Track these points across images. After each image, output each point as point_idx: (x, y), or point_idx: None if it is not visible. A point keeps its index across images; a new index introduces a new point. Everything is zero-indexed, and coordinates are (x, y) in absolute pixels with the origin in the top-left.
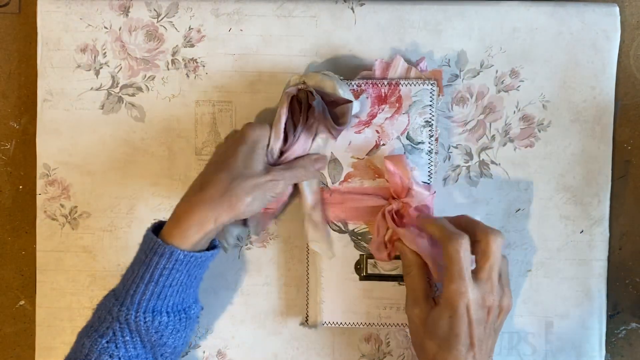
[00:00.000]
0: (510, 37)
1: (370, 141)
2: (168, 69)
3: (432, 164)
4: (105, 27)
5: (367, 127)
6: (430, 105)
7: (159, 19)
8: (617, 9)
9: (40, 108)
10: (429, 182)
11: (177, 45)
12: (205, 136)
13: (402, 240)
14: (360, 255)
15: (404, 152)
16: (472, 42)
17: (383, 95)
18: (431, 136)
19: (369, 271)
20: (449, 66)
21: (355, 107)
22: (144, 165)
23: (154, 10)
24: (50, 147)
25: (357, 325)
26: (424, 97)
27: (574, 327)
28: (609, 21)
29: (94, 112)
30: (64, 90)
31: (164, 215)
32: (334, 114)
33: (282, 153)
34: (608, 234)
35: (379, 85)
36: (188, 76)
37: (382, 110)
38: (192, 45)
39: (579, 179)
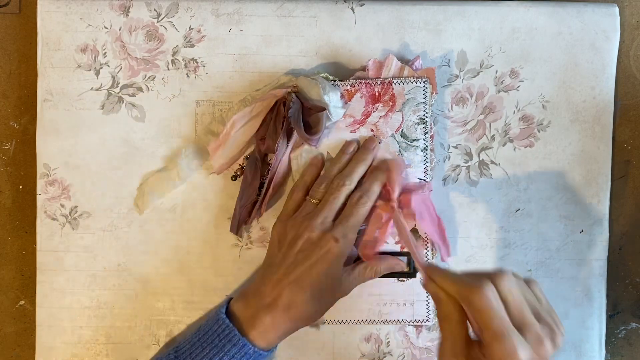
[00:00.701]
0: (510, 37)
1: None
2: (168, 69)
3: (427, 161)
4: (106, 27)
5: (362, 126)
6: (423, 103)
7: (159, 19)
8: (617, 9)
9: (40, 108)
10: (425, 179)
11: (177, 45)
12: (205, 136)
13: (429, 273)
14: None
15: (399, 150)
16: (472, 42)
17: (376, 94)
18: (426, 133)
19: None
20: (449, 66)
21: (339, 113)
22: (144, 165)
23: (154, 10)
24: (50, 147)
25: (358, 323)
26: (417, 94)
27: (574, 327)
28: (609, 21)
29: (94, 112)
30: (64, 90)
31: (166, 216)
32: (309, 123)
33: (265, 152)
34: (608, 234)
35: (372, 84)
36: (188, 76)
37: (376, 109)
38: (192, 46)
39: (579, 179)
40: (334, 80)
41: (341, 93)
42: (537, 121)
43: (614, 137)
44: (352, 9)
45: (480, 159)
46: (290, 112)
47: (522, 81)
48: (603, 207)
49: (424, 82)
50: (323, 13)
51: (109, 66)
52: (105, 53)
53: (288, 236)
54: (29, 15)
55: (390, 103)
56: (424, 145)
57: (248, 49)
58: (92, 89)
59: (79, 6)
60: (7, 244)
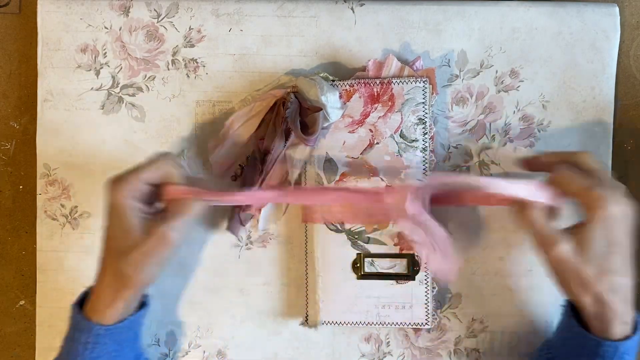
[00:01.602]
0: (510, 37)
1: (364, 140)
2: (168, 69)
3: (426, 162)
4: (106, 27)
5: (361, 126)
6: (423, 103)
7: (159, 19)
8: (617, 9)
9: (40, 108)
10: (424, 180)
11: (177, 46)
12: (205, 136)
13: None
14: (357, 254)
15: (398, 151)
16: (472, 42)
17: (375, 94)
18: (425, 134)
19: (366, 270)
20: (449, 66)
21: (337, 114)
22: None
23: (154, 10)
24: (50, 147)
25: (357, 325)
26: (416, 94)
27: None
28: (609, 21)
29: (94, 112)
30: (64, 90)
31: None
32: (306, 123)
33: (265, 152)
34: None
35: (371, 84)
36: (188, 76)
37: (375, 109)
38: (193, 46)
39: None
40: (333, 80)
41: (340, 93)
42: (537, 121)
43: (614, 137)
44: (352, 9)
45: (481, 159)
46: (288, 112)
47: (522, 81)
48: None
49: (423, 82)
50: (323, 13)
51: (109, 66)
52: (106, 53)
53: None
54: (29, 15)
55: (389, 103)
56: (424, 146)
57: (248, 49)
58: (92, 89)
59: (79, 6)
60: (7, 244)
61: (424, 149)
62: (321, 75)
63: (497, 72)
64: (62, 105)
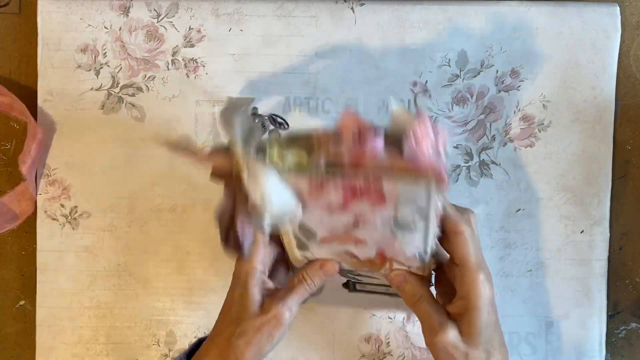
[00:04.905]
0: (511, 37)
1: (346, 224)
2: (168, 69)
3: (428, 246)
4: (106, 27)
5: (343, 213)
6: (426, 207)
7: (159, 19)
8: (618, 9)
9: (40, 108)
10: (424, 255)
11: (177, 46)
12: (205, 136)
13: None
14: (348, 281)
15: (391, 231)
16: (472, 42)
17: (358, 188)
18: (428, 227)
19: (358, 288)
20: (449, 66)
21: (288, 211)
22: (144, 165)
23: (154, 10)
24: (50, 147)
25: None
26: (417, 198)
27: (574, 327)
28: (609, 21)
29: (94, 112)
30: (64, 90)
31: (166, 216)
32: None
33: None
34: (608, 234)
35: (349, 177)
36: (188, 76)
37: (360, 201)
38: (192, 46)
39: (579, 179)
40: (286, 146)
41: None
42: (537, 121)
43: (614, 137)
44: (352, 8)
45: (481, 159)
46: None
47: (523, 81)
48: (603, 207)
49: (425, 182)
50: (323, 13)
51: (109, 66)
52: (105, 53)
53: None
54: (29, 15)
55: (380, 200)
56: (425, 233)
57: (248, 49)
58: (92, 89)
59: (79, 6)
60: (7, 244)
61: (426, 234)
62: (273, 140)
63: (497, 71)
64: (62, 105)
